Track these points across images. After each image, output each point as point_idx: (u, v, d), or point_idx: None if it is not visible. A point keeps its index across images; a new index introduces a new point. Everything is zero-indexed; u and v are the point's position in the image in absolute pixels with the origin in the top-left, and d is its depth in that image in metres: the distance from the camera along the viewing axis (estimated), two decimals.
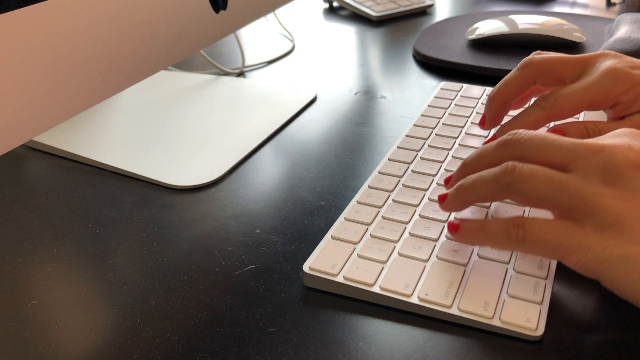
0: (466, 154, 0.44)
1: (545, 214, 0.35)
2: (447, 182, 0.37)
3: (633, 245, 0.27)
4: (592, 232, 0.27)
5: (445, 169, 0.42)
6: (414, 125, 0.49)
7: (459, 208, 0.34)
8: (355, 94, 0.58)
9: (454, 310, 0.30)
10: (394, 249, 0.34)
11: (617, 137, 0.30)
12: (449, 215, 0.37)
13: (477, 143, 0.45)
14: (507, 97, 0.42)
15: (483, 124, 0.44)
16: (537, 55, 0.42)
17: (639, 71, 0.38)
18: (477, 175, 0.32)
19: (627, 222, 0.27)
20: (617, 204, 0.27)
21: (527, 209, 0.37)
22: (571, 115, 0.39)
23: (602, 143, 0.29)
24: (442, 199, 0.34)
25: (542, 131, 0.32)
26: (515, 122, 0.40)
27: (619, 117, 0.39)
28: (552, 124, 0.47)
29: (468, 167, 0.34)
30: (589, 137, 0.38)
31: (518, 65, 0.42)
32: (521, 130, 0.32)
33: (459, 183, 0.33)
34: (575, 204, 0.28)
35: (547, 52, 0.43)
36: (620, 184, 0.28)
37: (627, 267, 0.27)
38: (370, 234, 0.35)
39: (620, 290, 0.28)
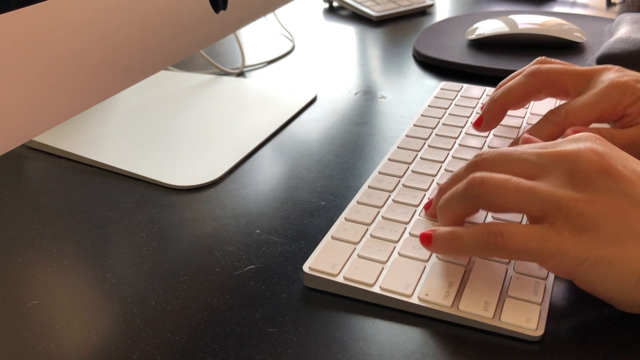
0: (466, 154, 0.44)
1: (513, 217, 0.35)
2: (427, 207, 0.37)
3: (607, 247, 0.27)
4: (569, 236, 0.28)
5: (445, 169, 0.42)
6: (414, 125, 0.49)
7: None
8: (355, 94, 0.58)
9: (454, 311, 0.30)
10: (394, 249, 0.34)
11: (579, 142, 0.31)
12: None
13: (477, 143, 0.45)
14: (509, 102, 0.43)
15: (479, 125, 0.44)
16: (544, 64, 0.42)
17: None
18: (449, 193, 0.32)
19: (601, 225, 0.27)
20: (590, 208, 0.28)
21: None
22: (585, 125, 0.40)
23: (565, 150, 0.30)
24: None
25: (507, 148, 0.32)
26: (532, 133, 0.40)
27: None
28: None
29: (443, 191, 0.34)
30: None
31: (525, 72, 0.42)
32: (486, 151, 0.33)
33: (438, 208, 0.33)
34: (549, 209, 0.28)
35: (553, 60, 0.43)
36: (590, 189, 0.28)
37: (602, 269, 0.28)
38: (371, 234, 0.35)
39: (595, 291, 0.29)
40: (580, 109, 0.39)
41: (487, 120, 0.44)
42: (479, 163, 0.32)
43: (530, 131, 0.40)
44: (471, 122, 0.48)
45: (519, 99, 0.42)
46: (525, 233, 0.29)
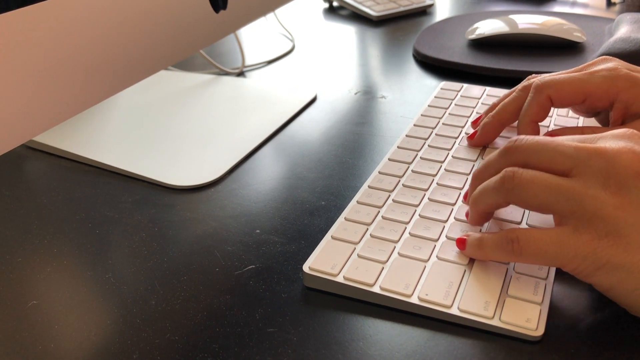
0: (466, 154, 0.44)
1: (547, 217, 0.35)
2: (465, 198, 0.38)
3: (629, 254, 0.27)
4: (589, 240, 0.28)
5: (445, 169, 0.42)
6: (414, 125, 0.49)
7: (479, 221, 0.34)
8: (355, 94, 0.58)
9: (454, 310, 0.30)
10: (394, 249, 0.34)
11: (620, 140, 0.30)
12: (449, 215, 0.37)
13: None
14: (505, 119, 0.43)
15: (472, 138, 0.45)
16: (534, 77, 0.42)
17: (639, 74, 0.38)
18: (483, 185, 0.33)
19: (624, 232, 0.27)
20: (616, 213, 0.27)
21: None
22: (570, 103, 0.39)
23: (604, 147, 0.29)
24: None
25: (544, 137, 0.32)
26: (523, 115, 0.41)
27: (620, 121, 0.39)
28: (550, 125, 0.48)
29: (477, 178, 0.35)
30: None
31: (517, 87, 0.42)
32: (522, 137, 0.32)
33: (472, 197, 0.34)
34: (574, 210, 0.28)
35: (543, 75, 0.42)
36: (621, 193, 0.28)
37: (621, 276, 0.27)
38: (371, 234, 0.35)
39: (614, 297, 0.29)
40: (569, 80, 0.38)
41: (481, 137, 0.44)
42: (513, 150, 0.32)
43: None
44: (471, 122, 0.48)
45: (513, 114, 0.42)
46: (542, 238, 0.29)
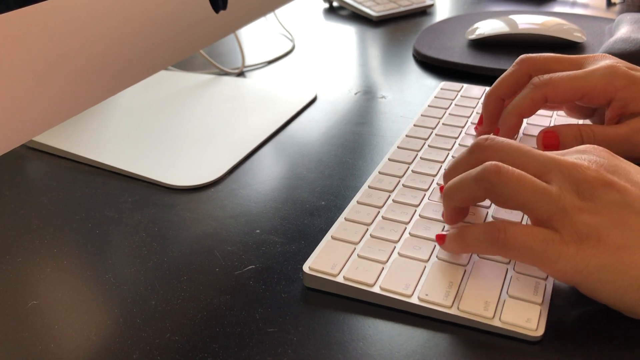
0: None
1: (512, 216, 0.35)
2: (442, 190, 0.37)
3: (609, 254, 0.28)
4: (571, 242, 0.28)
5: (445, 169, 0.42)
6: (414, 125, 0.49)
7: (453, 219, 0.34)
8: (355, 94, 0.58)
9: (454, 311, 0.30)
10: (394, 249, 0.34)
11: (584, 154, 0.31)
12: None
13: None
14: (503, 93, 0.43)
15: (481, 123, 0.44)
16: (527, 56, 0.42)
17: (637, 73, 0.38)
18: (459, 177, 0.32)
19: (604, 233, 0.28)
20: (594, 217, 0.28)
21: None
22: (566, 100, 0.39)
23: (572, 161, 0.30)
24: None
25: (514, 141, 0.32)
26: (513, 106, 0.41)
27: (616, 119, 0.39)
28: (549, 123, 0.48)
29: (448, 177, 0.35)
30: (582, 141, 0.38)
31: (514, 63, 0.43)
32: (493, 136, 0.32)
33: (444, 189, 0.33)
34: (554, 214, 0.29)
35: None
36: (594, 199, 0.29)
37: (604, 276, 0.28)
38: (371, 234, 0.35)
39: (600, 298, 0.29)
40: (567, 78, 0.39)
41: (487, 115, 0.44)
42: (485, 148, 0.32)
43: (514, 100, 0.41)
44: (471, 122, 0.48)
45: (510, 87, 0.42)
46: (528, 232, 0.29)
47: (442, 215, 0.36)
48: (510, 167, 0.30)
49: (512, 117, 0.41)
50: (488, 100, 0.43)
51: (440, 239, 0.33)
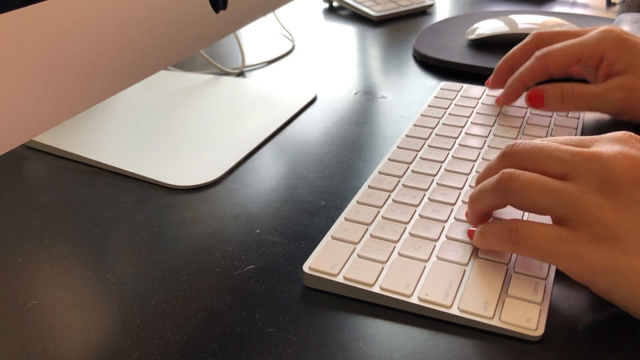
0: (466, 154, 0.44)
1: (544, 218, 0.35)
2: None
3: (625, 257, 0.27)
4: (586, 242, 0.28)
5: (445, 169, 0.42)
6: (414, 125, 0.49)
7: (476, 222, 0.35)
8: (355, 94, 0.58)
9: (454, 310, 0.30)
10: (394, 249, 0.34)
11: (615, 144, 0.30)
12: (449, 215, 0.37)
13: (478, 143, 0.45)
14: (513, 61, 0.49)
15: (489, 83, 0.51)
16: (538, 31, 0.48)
17: (634, 38, 0.40)
18: (480, 186, 0.33)
19: (621, 235, 0.27)
20: (613, 217, 0.27)
21: None
22: (564, 66, 0.44)
23: (600, 152, 0.29)
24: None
25: (541, 141, 0.32)
26: (517, 76, 0.46)
27: (604, 77, 0.43)
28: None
29: (479, 183, 0.35)
30: (562, 99, 0.43)
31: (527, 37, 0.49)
32: (520, 141, 0.33)
33: (470, 197, 0.34)
34: (570, 213, 0.28)
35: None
36: (618, 198, 0.28)
37: (618, 278, 0.27)
38: (370, 234, 0.35)
39: (611, 299, 0.29)
40: (564, 46, 0.43)
41: (495, 77, 0.50)
42: (511, 154, 0.32)
43: (518, 71, 0.46)
44: (471, 122, 0.48)
45: (520, 56, 0.48)
46: (541, 232, 0.29)
47: (466, 215, 0.36)
48: (522, 173, 0.30)
49: (514, 83, 0.47)
50: (500, 66, 0.50)
51: (470, 234, 0.34)
